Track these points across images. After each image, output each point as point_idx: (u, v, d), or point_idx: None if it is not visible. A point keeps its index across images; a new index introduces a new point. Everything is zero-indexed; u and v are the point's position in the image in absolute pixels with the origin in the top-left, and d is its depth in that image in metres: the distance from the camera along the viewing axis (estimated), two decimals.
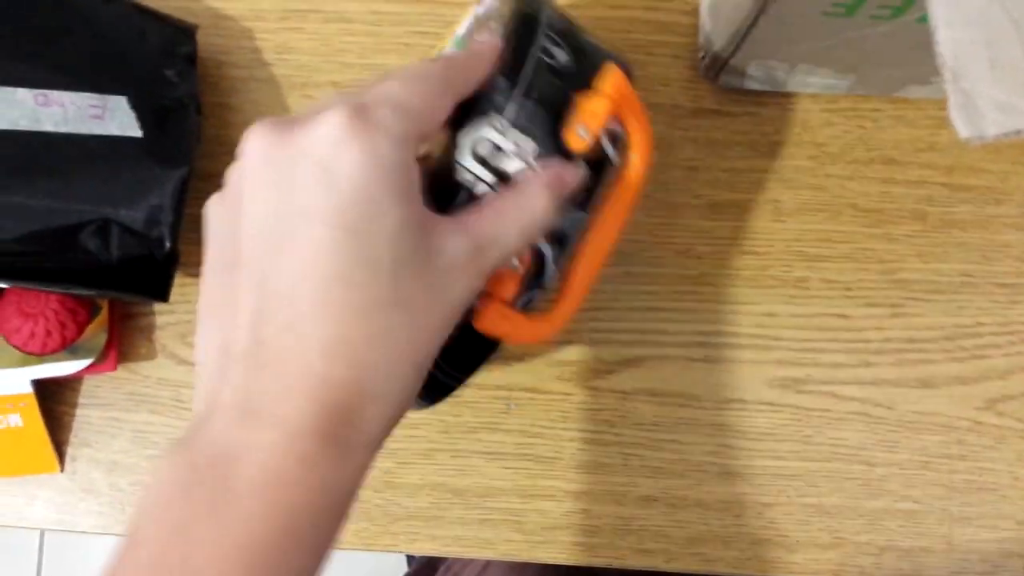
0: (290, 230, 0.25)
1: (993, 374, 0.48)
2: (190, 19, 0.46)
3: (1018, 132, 0.25)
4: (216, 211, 0.28)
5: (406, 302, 0.26)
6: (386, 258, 0.25)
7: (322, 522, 0.24)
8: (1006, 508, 0.48)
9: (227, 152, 0.48)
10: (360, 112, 0.26)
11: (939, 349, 0.48)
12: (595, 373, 0.48)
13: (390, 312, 0.25)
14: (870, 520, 0.48)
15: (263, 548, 0.23)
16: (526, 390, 0.48)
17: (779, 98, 0.49)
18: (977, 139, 0.25)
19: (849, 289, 0.48)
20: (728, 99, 0.49)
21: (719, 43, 0.45)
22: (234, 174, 0.28)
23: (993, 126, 0.25)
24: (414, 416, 0.48)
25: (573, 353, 0.48)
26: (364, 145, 0.25)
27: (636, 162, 0.37)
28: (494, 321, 0.34)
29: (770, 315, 0.48)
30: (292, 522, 0.24)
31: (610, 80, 0.35)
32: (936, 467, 0.48)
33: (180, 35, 0.44)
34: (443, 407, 0.47)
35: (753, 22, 0.41)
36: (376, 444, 0.26)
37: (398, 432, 0.47)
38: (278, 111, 0.48)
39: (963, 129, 0.25)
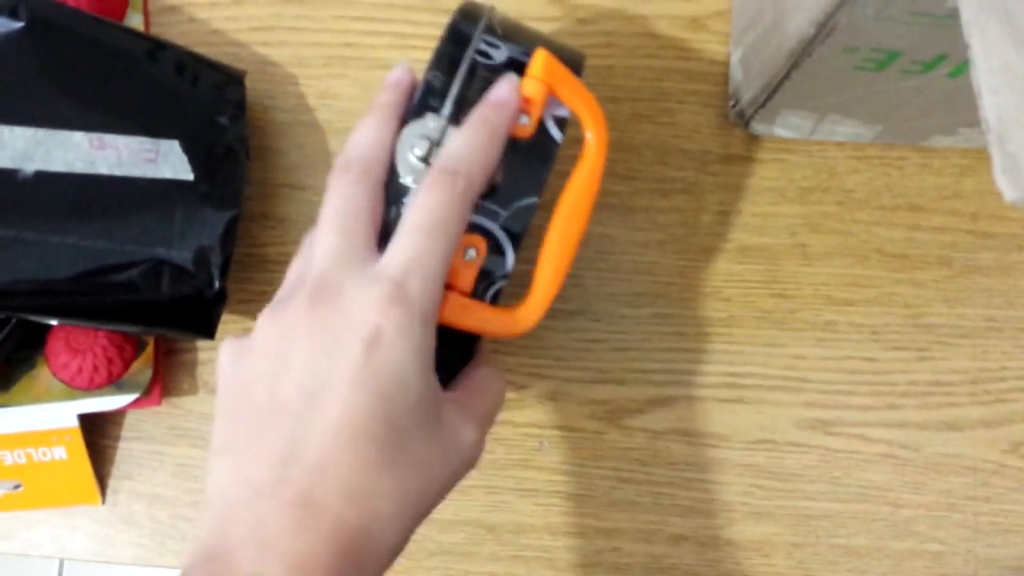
0: (328, 388, 0.28)
1: (1018, 417, 0.49)
2: (238, 65, 0.48)
3: None
4: (242, 362, 0.31)
5: (419, 462, 0.30)
6: (408, 423, 0.29)
7: None
8: None
9: (272, 194, 0.49)
10: (399, 293, 0.29)
11: (964, 392, 0.49)
12: (626, 412, 0.49)
13: (405, 470, 0.29)
14: (897, 561, 0.48)
15: None
16: (558, 428, 0.49)
17: (807, 145, 0.50)
18: (1023, 201, 0.26)
19: (876, 333, 0.49)
20: (757, 146, 0.50)
21: (750, 93, 0.46)
22: (269, 333, 0.30)
23: None
24: None
25: (605, 392, 0.49)
26: (401, 327, 0.29)
27: (592, 139, 0.37)
28: (457, 313, 0.34)
29: (799, 357, 0.49)
30: None
31: (539, 63, 0.35)
32: (962, 509, 0.49)
33: (230, 81, 0.45)
34: None
35: (786, 75, 0.43)
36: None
37: None
38: (322, 155, 0.50)
39: (1009, 192, 0.26)
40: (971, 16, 0.28)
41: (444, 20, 0.50)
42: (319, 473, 0.27)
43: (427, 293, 0.30)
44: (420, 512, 0.30)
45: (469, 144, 0.33)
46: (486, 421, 0.34)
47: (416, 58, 0.50)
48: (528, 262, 0.37)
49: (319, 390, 0.28)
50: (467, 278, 0.34)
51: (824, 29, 0.38)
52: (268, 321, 0.31)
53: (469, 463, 0.32)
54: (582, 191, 0.37)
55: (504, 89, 0.34)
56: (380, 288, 0.29)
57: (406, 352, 0.29)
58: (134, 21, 0.49)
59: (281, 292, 0.34)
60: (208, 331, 0.44)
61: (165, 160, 0.42)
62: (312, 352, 0.29)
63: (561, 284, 0.37)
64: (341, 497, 0.27)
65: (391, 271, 0.30)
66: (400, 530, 0.30)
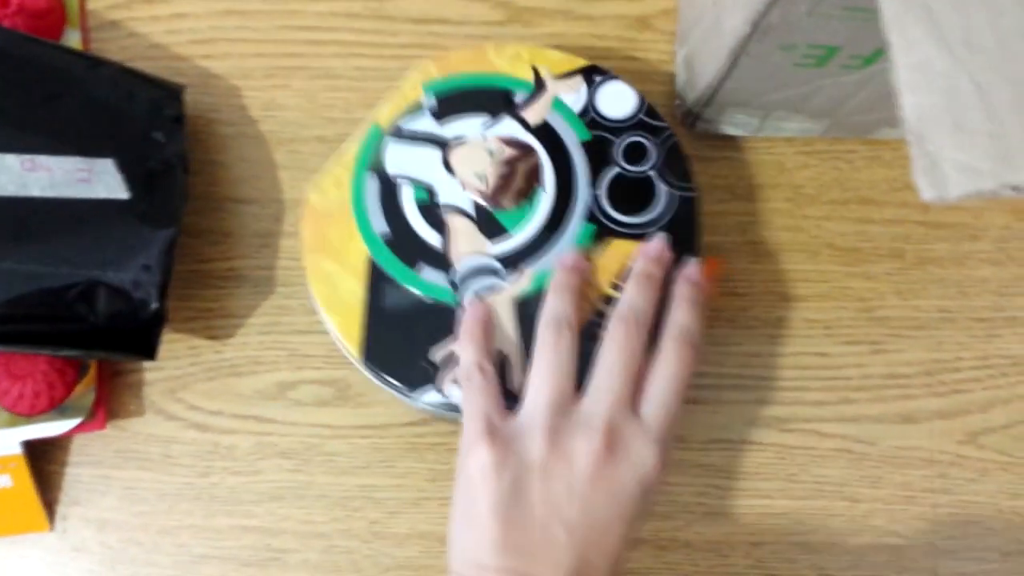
0: (609, 521, 0.37)
1: (973, 408, 0.49)
2: (178, 79, 0.47)
3: (980, 193, 0.26)
4: (513, 472, 0.37)
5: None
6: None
7: None
8: (991, 540, 0.49)
9: (216, 208, 0.49)
10: (667, 456, 0.38)
11: (920, 384, 0.49)
12: None
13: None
14: (856, 556, 0.48)
15: None
16: None
17: (755, 142, 0.50)
18: (940, 200, 0.26)
19: (829, 327, 0.49)
20: (705, 144, 0.50)
21: (695, 93, 0.46)
22: (548, 455, 0.37)
23: (956, 187, 0.26)
24: (400, 466, 0.48)
25: None
26: (662, 480, 0.38)
27: None
28: None
29: (752, 355, 0.49)
30: None
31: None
32: (920, 501, 0.49)
33: (167, 96, 0.45)
34: (430, 455, 0.48)
35: (727, 74, 0.42)
36: None
37: (385, 482, 0.48)
38: (267, 167, 0.49)
39: (927, 191, 0.26)
40: (892, 13, 0.28)
41: (388, 28, 0.50)
42: None
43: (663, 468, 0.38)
44: None
45: (695, 317, 0.41)
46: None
47: (361, 66, 0.50)
48: None
49: (606, 523, 0.36)
50: None
51: (759, 27, 0.38)
52: (550, 443, 0.37)
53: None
54: None
55: (695, 268, 0.43)
56: (658, 450, 0.38)
57: (655, 491, 0.38)
58: (72, 38, 0.48)
59: (525, 421, 0.39)
60: (148, 351, 0.43)
61: (99, 179, 0.41)
62: (600, 488, 0.37)
63: None
64: None
65: (660, 433, 0.38)
66: None
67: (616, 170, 0.44)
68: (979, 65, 0.26)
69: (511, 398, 0.40)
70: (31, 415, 0.44)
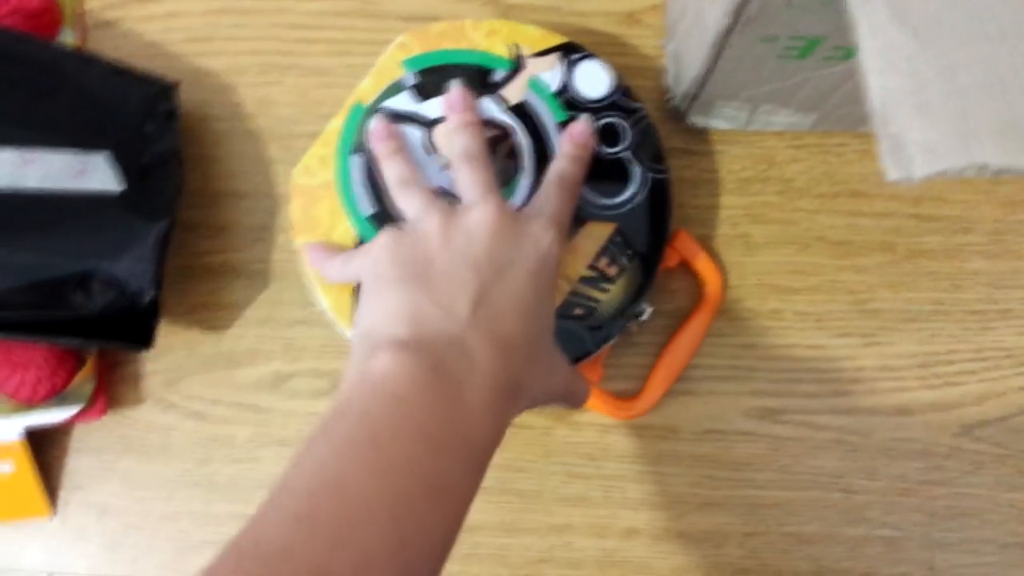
0: (510, 267, 0.38)
1: (968, 400, 0.49)
2: (173, 75, 0.48)
3: (943, 173, 0.26)
4: (411, 239, 0.38)
5: (550, 334, 0.40)
6: (549, 318, 0.40)
7: (495, 442, 0.35)
8: (987, 532, 0.49)
9: (210, 203, 0.50)
10: (556, 225, 0.40)
11: (913, 377, 0.49)
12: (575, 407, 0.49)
13: (546, 336, 0.39)
14: (850, 547, 0.48)
15: (487, 443, 0.34)
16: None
17: (745, 136, 0.50)
18: (905, 180, 0.26)
19: (821, 320, 0.49)
20: (696, 138, 0.50)
21: (683, 87, 0.47)
22: (443, 224, 0.38)
23: (920, 168, 0.26)
24: None
25: None
26: (554, 240, 0.39)
27: (710, 294, 0.48)
28: (594, 402, 0.48)
29: (746, 347, 0.49)
30: (499, 431, 0.35)
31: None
32: (916, 493, 0.49)
33: (161, 92, 0.46)
34: None
35: (711, 68, 0.43)
36: (514, 416, 0.37)
37: None
38: (260, 162, 0.50)
39: (892, 172, 0.26)
40: None
41: (378, 26, 0.51)
42: (497, 322, 0.36)
43: (565, 231, 0.42)
44: (546, 370, 0.40)
45: (575, 168, 0.44)
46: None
47: (352, 64, 0.51)
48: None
49: (506, 267, 0.37)
50: (598, 372, 0.47)
51: (739, 18, 0.38)
52: (444, 217, 0.38)
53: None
54: (696, 329, 0.48)
55: (580, 127, 0.45)
56: (553, 229, 0.40)
57: (553, 258, 0.39)
58: (68, 37, 0.49)
59: (418, 210, 0.40)
60: (145, 341, 0.44)
61: (94, 173, 0.42)
62: (501, 241, 0.38)
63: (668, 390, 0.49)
64: (510, 336, 0.36)
65: (553, 216, 0.41)
66: (538, 382, 0.38)
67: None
68: (944, 47, 0.27)
69: None
70: (32, 403, 0.45)
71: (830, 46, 0.40)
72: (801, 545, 0.48)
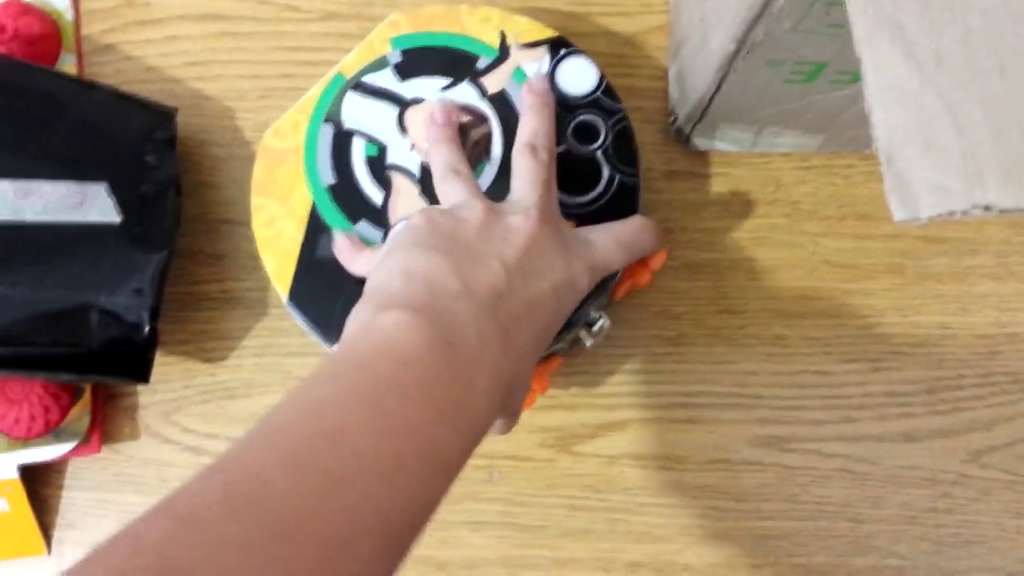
0: (538, 279, 0.37)
1: (976, 426, 0.48)
2: (171, 100, 0.47)
3: (951, 214, 0.25)
4: (449, 216, 0.38)
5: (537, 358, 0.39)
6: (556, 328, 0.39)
7: (485, 432, 0.35)
8: (995, 560, 0.48)
9: (209, 230, 0.49)
10: (591, 268, 0.40)
11: (921, 403, 0.49)
12: (578, 438, 0.48)
13: (537, 357, 0.39)
14: None
15: (482, 428, 0.34)
16: (508, 458, 0.48)
17: (751, 158, 0.50)
18: (912, 221, 0.25)
19: (828, 345, 0.49)
20: (700, 161, 0.50)
21: (686, 109, 0.46)
22: (483, 215, 0.38)
23: (927, 208, 0.25)
24: None
25: (555, 419, 0.48)
26: (583, 273, 0.39)
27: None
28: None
29: (751, 373, 0.49)
30: (490, 424, 0.35)
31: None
32: (923, 522, 0.48)
33: (160, 119, 0.45)
34: None
35: (715, 91, 0.42)
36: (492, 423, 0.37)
37: None
38: None
39: (898, 211, 0.26)
40: (862, 33, 0.27)
41: None
42: (512, 324, 0.36)
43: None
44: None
45: (540, 122, 0.42)
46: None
47: None
48: None
49: (534, 276, 0.37)
50: (544, 384, 0.45)
51: (744, 44, 0.38)
52: (487, 210, 0.38)
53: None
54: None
55: (537, 79, 0.44)
56: (589, 257, 0.40)
57: (577, 298, 0.40)
58: (67, 62, 0.49)
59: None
60: (142, 375, 0.43)
61: (92, 204, 0.41)
62: (536, 252, 0.38)
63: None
64: (525, 345, 0.36)
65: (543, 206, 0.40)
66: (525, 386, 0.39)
67: (563, 147, 0.44)
68: (950, 83, 0.26)
69: None
70: (26, 439, 0.44)
71: (835, 70, 0.40)
72: None
